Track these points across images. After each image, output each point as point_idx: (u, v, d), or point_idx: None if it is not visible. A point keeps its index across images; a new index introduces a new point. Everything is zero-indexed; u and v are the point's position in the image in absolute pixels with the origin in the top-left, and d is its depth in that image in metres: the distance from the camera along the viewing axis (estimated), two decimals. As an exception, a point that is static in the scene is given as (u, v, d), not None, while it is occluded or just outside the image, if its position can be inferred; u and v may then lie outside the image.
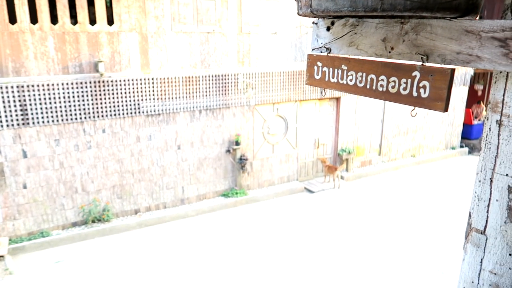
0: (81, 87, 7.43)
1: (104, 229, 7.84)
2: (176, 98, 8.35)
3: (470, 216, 1.86)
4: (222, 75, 8.75)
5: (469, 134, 13.35)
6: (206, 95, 8.67)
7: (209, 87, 8.67)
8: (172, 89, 8.27)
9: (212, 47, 8.54)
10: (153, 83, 8.04)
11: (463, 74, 12.60)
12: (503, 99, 1.65)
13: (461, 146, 13.34)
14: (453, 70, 1.76)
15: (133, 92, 7.90)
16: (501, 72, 1.66)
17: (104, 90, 7.62)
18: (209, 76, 8.61)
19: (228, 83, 8.87)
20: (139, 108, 8.00)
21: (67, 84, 7.30)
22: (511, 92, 1.62)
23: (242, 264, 6.86)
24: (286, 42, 9.47)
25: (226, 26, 8.60)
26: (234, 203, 9.22)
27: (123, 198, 8.30)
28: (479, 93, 14.16)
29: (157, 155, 8.43)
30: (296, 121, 10.18)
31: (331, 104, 10.74)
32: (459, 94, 12.80)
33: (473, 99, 14.14)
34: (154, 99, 8.12)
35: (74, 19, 9.04)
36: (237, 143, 9.16)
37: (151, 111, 8.13)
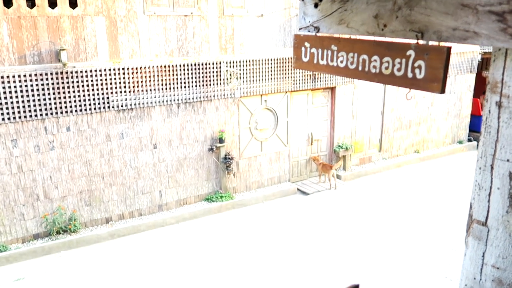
0: (41, 79, 7.36)
1: (71, 241, 7.80)
2: (150, 90, 8.33)
3: (471, 207, 1.94)
4: (202, 64, 8.76)
5: (478, 126, 13.58)
6: (185, 87, 8.67)
7: (188, 78, 8.67)
8: (146, 80, 8.26)
9: (190, 32, 8.55)
10: (124, 73, 8.01)
11: (469, 60, 12.84)
12: (502, 79, 1.73)
13: (469, 140, 13.59)
14: (449, 48, 1.84)
15: (102, 84, 7.87)
16: (499, 49, 1.74)
17: (67, 83, 7.57)
18: (187, 65, 8.61)
19: (209, 72, 8.88)
20: (108, 103, 7.97)
21: (24, 76, 7.24)
22: (511, 71, 1.70)
23: (228, 279, 6.89)
24: (273, 26, 9.53)
25: (206, 8, 8.62)
26: (218, 208, 9.24)
27: (92, 205, 8.27)
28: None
29: (131, 156, 8.41)
30: (286, 114, 10.25)
31: (325, 94, 10.82)
32: (466, 82, 13.04)
33: (481, 87, 14.39)
34: (125, 92, 8.09)
35: (31, 1, 8.93)
36: (221, 141, 9.20)
37: (122, 106, 8.10)
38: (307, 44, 2.35)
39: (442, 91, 1.86)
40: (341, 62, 2.21)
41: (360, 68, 2.14)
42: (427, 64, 1.89)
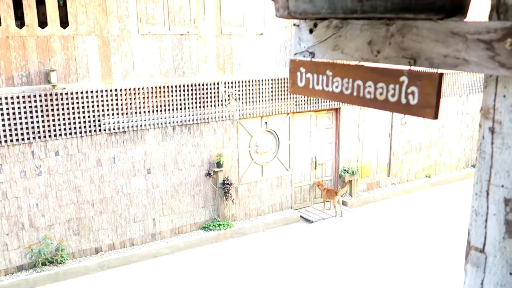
0: (29, 101, 7.53)
1: (57, 273, 7.83)
2: (144, 112, 8.46)
3: (469, 233, 2.06)
4: (199, 85, 8.93)
5: (494, 149, 13.70)
6: (180, 108, 8.81)
7: (184, 99, 8.82)
8: (140, 102, 8.40)
9: (186, 51, 8.77)
10: (116, 95, 8.17)
11: (482, 79, 13.06)
12: (494, 105, 1.87)
13: (485, 163, 13.67)
14: (441, 75, 1.99)
15: (93, 106, 8.02)
16: (490, 76, 1.89)
17: (57, 105, 7.74)
18: (183, 86, 8.78)
19: (206, 93, 9.04)
20: (99, 125, 8.11)
21: (11, 98, 7.41)
22: (502, 97, 1.85)
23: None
24: (274, 45, 9.77)
25: (203, 27, 8.86)
26: (216, 237, 9.28)
27: (81, 234, 8.32)
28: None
29: (123, 181, 8.50)
30: (288, 137, 10.37)
31: (330, 116, 10.99)
32: (479, 102, 13.24)
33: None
34: (118, 114, 8.22)
35: (20, 20, 9.20)
36: (218, 165, 9.29)
37: (114, 129, 8.24)
38: (302, 69, 2.51)
39: (435, 117, 2.00)
40: (336, 87, 2.35)
41: (355, 94, 2.29)
42: (420, 90, 2.02)
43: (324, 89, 2.42)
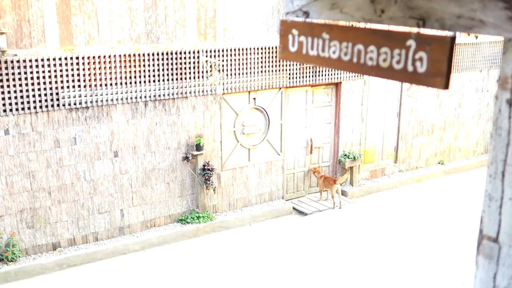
0: (-26, 70, 7.43)
1: (8, 273, 7.82)
2: (111, 85, 8.40)
3: (481, 221, 2.11)
4: (176, 53, 8.88)
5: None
6: (154, 81, 8.77)
7: (159, 70, 8.77)
8: (106, 73, 8.34)
9: (161, 13, 8.69)
10: (78, 64, 8.08)
11: (506, 51, 13.14)
12: (513, 73, 1.91)
13: (507, 149, 13.87)
14: (453, 38, 2.01)
15: (50, 77, 7.93)
16: (510, 40, 1.92)
17: (7, 74, 7.63)
18: (158, 54, 8.72)
19: (185, 63, 8.99)
20: (58, 100, 8.04)
21: (-47, 65, 7.30)
22: (522, 65, 1.88)
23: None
24: (265, 7, 9.70)
25: (181, -16, 8.80)
26: (195, 231, 9.33)
27: (36, 227, 8.29)
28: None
29: (85, 166, 8.48)
30: (280, 116, 10.39)
31: (329, 92, 11.00)
32: (502, 78, 13.32)
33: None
34: (79, 86, 8.15)
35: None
36: (198, 148, 9.30)
37: (75, 104, 8.18)
38: (295, 32, 2.51)
39: (446, 86, 2.03)
40: (334, 52, 2.37)
41: (355, 60, 2.31)
42: (429, 56, 2.04)
43: (319, 55, 2.44)
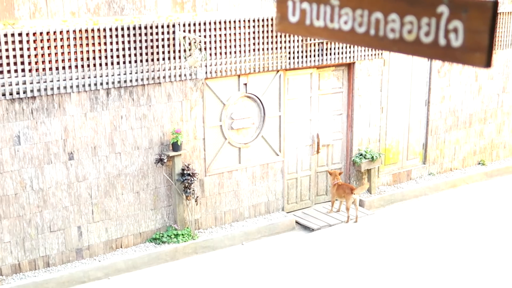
0: None
1: None
2: (64, 68, 8.31)
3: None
4: (146, 27, 8.82)
5: None
6: (118, 63, 8.70)
7: (124, 49, 8.70)
8: (57, 53, 8.25)
9: (126, -23, 8.67)
10: (21, 42, 7.98)
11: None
12: None
13: None
14: (495, 3, 2.02)
15: (-15, 58, 7.88)
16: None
17: None
18: (122, 29, 8.65)
19: (157, 40, 8.93)
20: (-4, 88, 7.99)
21: None
22: None
23: None
24: (257, -32, 9.68)
25: None
26: (172, 253, 9.27)
27: (-30, 250, 8.25)
28: None
29: (32, 171, 8.40)
30: (279, 106, 10.33)
31: (339, 75, 10.92)
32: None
33: None
34: (23, 71, 8.06)
35: None
36: (175, 147, 9.26)
37: (18, 93, 8.09)
38: (296, -3, 2.53)
39: (487, 64, 2.05)
40: (345, 23, 2.36)
41: (372, 32, 2.31)
42: (465, 26, 2.06)
43: (327, 26, 2.43)
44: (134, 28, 8.77)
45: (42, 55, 8.17)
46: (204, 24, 9.31)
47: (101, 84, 8.67)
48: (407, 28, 2.21)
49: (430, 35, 2.16)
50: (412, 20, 2.20)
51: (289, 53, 10.17)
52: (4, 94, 8.03)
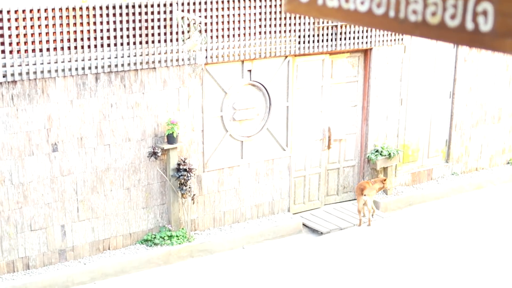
0: None
1: None
2: (48, 50, 8.31)
3: None
4: (140, 6, 8.82)
5: None
6: (109, 45, 8.71)
7: (115, 30, 8.71)
8: (41, 33, 8.20)
9: None
10: (0, 20, 7.94)
11: None
12: None
13: None
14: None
15: (-43, 39, 7.89)
16: None
17: None
18: (114, 8, 8.65)
19: (152, 20, 8.92)
20: (-30, 72, 8.01)
21: None
22: None
23: None
24: None
25: None
26: (166, 256, 9.23)
27: None
28: None
29: (11, 164, 8.37)
30: (286, 95, 10.29)
31: (354, 62, 10.87)
32: None
33: None
34: (3, 52, 8.04)
35: None
36: (171, 139, 9.22)
37: (-4, 77, 8.13)
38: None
39: (521, 52, 1.96)
40: (362, 3, 2.36)
41: (391, 14, 2.29)
42: (496, 9, 1.97)
43: (341, 7, 2.45)
44: (127, 7, 8.85)
45: (24, 35, 8.15)
46: (205, 3, 9.29)
47: (89, 68, 8.67)
48: (431, 10, 2.19)
49: (456, 18, 2.14)
50: (437, 1, 2.18)
51: (299, 36, 10.14)
52: (-20, 79, 8.15)
